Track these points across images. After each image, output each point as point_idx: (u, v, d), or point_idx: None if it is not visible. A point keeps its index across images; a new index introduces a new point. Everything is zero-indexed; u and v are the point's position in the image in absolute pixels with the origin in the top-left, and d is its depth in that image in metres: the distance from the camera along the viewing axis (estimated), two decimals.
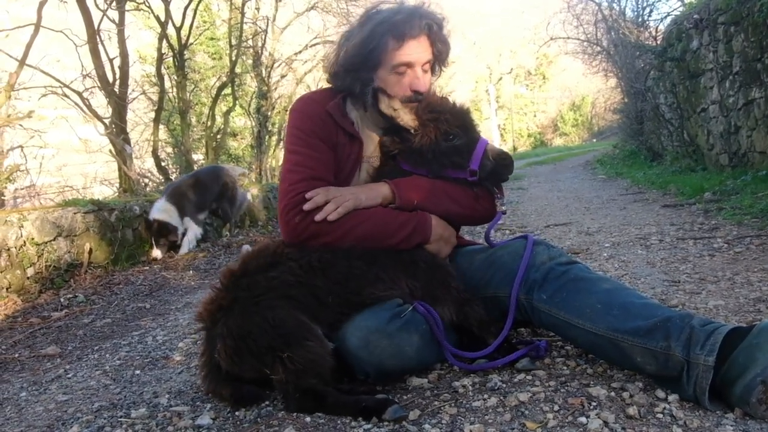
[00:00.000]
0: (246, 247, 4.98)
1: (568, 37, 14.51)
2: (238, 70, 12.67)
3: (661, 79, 9.75)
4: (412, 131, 1.86)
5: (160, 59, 10.12)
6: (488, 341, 1.78)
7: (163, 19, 9.78)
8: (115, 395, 2.02)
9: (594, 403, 1.52)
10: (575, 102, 36.92)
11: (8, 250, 3.90)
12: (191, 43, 11.35)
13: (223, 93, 12.54)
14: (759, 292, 2.47)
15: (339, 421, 1.54)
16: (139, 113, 12.06)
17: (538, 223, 5.38)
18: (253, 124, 13.72)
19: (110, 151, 9.23)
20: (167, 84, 11.03)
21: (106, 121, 8.61)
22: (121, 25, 8.59)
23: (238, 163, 14.46)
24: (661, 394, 1.53)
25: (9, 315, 3.55)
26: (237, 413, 1.67)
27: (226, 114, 13.24)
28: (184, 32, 10.21)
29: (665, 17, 15.76)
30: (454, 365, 1.81)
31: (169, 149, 13.77)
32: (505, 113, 38.10)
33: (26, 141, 8.03)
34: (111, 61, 8.56)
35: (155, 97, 11.00)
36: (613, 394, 1.57)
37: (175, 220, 5.29)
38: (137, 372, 2.29)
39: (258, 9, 13.14)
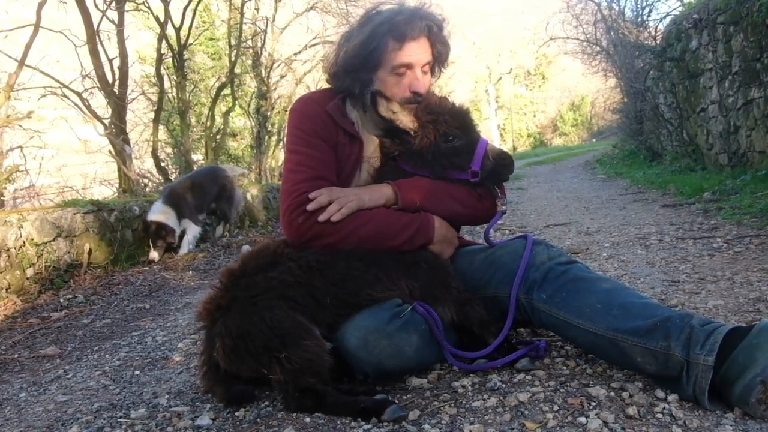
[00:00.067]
0: (246, 248, 4.98)
1: (568, 37, 14.52)
2: (237, 70, 12.65)
3: (660, 79, 9.75)
4: (412, 133, 1.85)
5: (160, 60, 10.10)
6: (488, 341, 1.78)
7: (162, 19, 9.76)
8: (114, 396, 2.02)
9: (594, 403, 1.52)
10: (575, 102, 36.93)
11: (8, 250, 3.90)
12: (191, 44, 11.33)
13: (222, 93, 12.51)
14: (758, 292, 2.47)
15: (338, 422, 1.54)
16: (139, 114, 12.02)
17: (538, 223, 5.38)
18: (253, 124, 13.69)
19: (110, 151, 9.22)
20: (167, 84, 11.00)
21: (106, 122, 8.59)
22: (120, 25, 8.57)
23: (238, 164, 14.43)
24: (660, 394, 1.53)
25: (8, 315, 3.55)
26: (237, 414, 1.67)
27: (226, 114, 13.21)
28: (183, 33, 10.19)
29: (664, 17, 15.76)
30: (454, 365, 1.81)
31: (169, 150, 13.74)
32: (504, 113, 38.10)
33: (26, 141, 8.00)
34: (110, 61, 8.54)
35: (155, 98, 10.98)
36: (612, 394, 1.57)
37: (173, 222, 5.28)
38: (137, 372, 2.29)
39: (257, 9, 13.11)
